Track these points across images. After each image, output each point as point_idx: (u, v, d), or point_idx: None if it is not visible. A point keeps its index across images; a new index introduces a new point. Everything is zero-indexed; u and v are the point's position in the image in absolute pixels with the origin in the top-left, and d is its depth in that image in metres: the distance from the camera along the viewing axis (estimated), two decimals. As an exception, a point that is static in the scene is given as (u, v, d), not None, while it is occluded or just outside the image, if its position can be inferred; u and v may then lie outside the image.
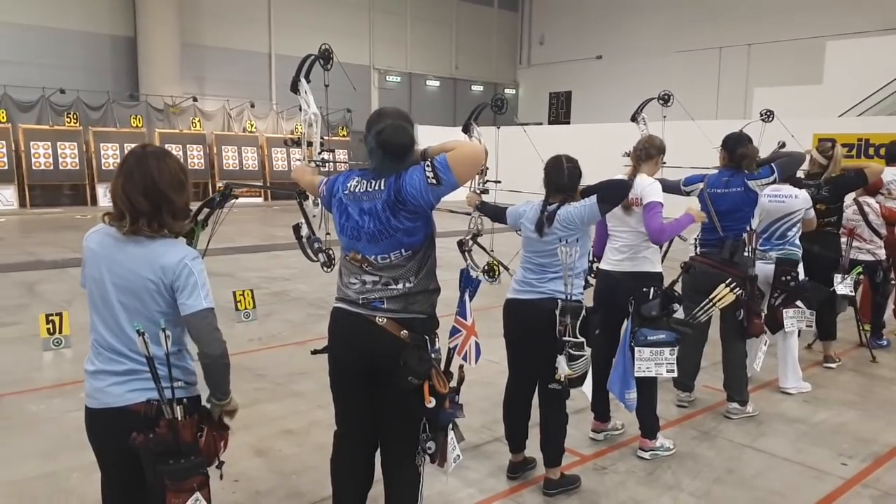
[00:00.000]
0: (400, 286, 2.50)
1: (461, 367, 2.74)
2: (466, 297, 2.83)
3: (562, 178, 3.34)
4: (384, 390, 2.55)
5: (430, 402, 2.48)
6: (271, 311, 7.16)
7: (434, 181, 2.35)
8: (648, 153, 3.96)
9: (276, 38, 21.09)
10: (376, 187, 2.46)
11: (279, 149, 19.45)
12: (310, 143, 3.47)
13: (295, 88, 3.49)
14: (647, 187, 3.74)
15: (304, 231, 3.60)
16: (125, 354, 2.12)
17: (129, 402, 2.10)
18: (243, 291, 6.82)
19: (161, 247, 2.11)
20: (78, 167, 16.35)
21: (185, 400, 2.10)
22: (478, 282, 2.95)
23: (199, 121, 18.46)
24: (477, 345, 2.82)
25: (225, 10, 20.13)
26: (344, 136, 20.18)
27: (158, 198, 2.11)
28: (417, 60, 25.27)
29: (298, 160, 3.55)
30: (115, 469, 2.20)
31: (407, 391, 2.46)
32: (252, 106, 19.62)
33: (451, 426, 2.63)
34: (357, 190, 2.51)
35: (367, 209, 2.46)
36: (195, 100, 18.47)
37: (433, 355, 2.53)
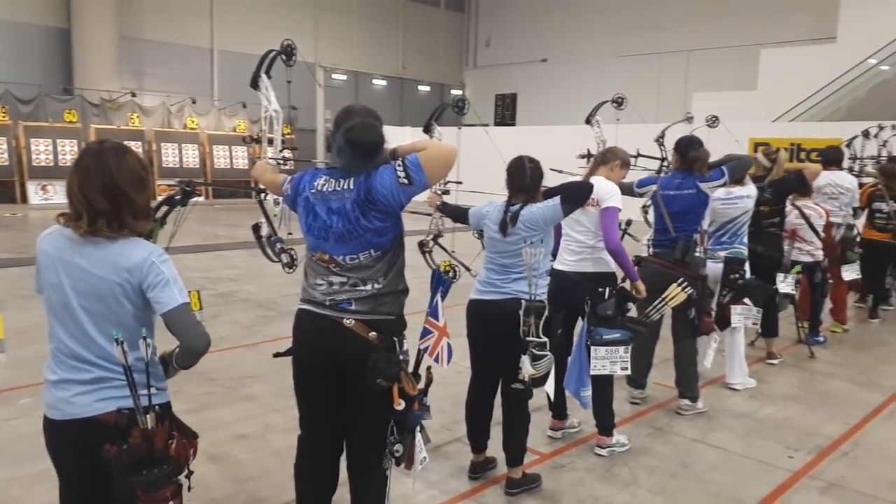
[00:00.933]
0: (368, 287, 2.46)
1: (429, 368, 2.72)
2: (438, 297, 2.82)
3: (524, 178, 3.35)
4: (352, 393, 2.50)
5: (399, 405, 2.45)
6: (218, 313, 6.97)
7: (406, 181, 2.32)
8: (605, 157, 4.07)
9: (219, 34, 20.55)
10: (345, 186, 2.41)
11: (221, 146, 18.98)
12: (270, 141, 3.40)
13: (255, 84, 3.40)
14: (606, 192, 3.78)
15: (265, 231, 3.51)
16: (91, 362, 2.01)
17: (98, 412, 1.99)
18: (189, 292, 6.59)
19: (123, 247, 2.00)
20: (7, 163, 15.56)
21: (156, 407, 2.00)
22: (450, 283, 2.93)
23: (137, 117, 17.82)
24: (449, 346, 2.81)
25: (165, 3, 19.52)
26: (288, 133, 19.85)
27: (118, 197, 1.99)
28: (364, 59, 25.06)
29: (258, 159, 3.44)
30: (76, 482, 2.08)
31: (375, 393, 2.42)
32: (193, 102, 19.04)
33: (418, 428, 2.61)
34: (325, 189, 2.45)
35: (336, 209, 2.41)
36: (133, 95, 17.81)
37: (401, 357, 2.50)
